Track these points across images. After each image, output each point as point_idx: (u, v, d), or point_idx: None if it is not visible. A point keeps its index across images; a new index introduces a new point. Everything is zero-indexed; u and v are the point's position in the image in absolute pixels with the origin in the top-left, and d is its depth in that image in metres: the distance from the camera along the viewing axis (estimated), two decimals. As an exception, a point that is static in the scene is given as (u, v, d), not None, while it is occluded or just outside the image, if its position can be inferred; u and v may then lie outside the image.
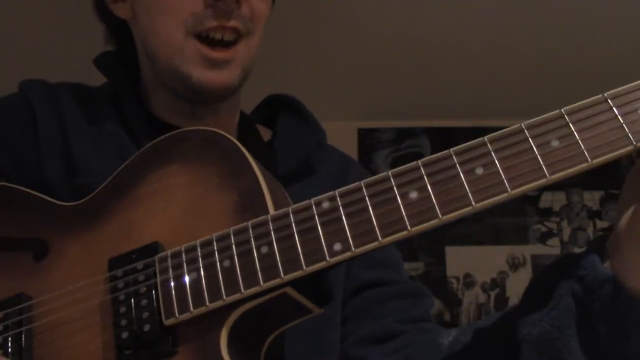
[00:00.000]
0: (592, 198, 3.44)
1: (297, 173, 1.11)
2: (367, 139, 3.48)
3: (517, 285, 3.28)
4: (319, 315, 0.87)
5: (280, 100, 1.24)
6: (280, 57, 2.80)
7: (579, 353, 0.73)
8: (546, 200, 3.44)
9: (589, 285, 0.72)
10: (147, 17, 1.07)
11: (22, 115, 1.07)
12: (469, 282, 3.30)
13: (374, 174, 0.80)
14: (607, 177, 3.38)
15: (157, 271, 0.82)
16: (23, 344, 0.84)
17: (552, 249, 3.36)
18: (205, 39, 1.02)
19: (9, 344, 0.84)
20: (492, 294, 3.29)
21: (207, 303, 0.77)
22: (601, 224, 3.40)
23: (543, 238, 3.39)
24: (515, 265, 3.33)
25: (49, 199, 0.96)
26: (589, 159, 0.67)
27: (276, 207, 0.81)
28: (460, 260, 3.33)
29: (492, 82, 3.15)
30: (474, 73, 3.10)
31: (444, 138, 3.40)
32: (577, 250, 3.31)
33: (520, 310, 0.80)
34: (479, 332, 0.89)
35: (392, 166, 3.25)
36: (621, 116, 0.67)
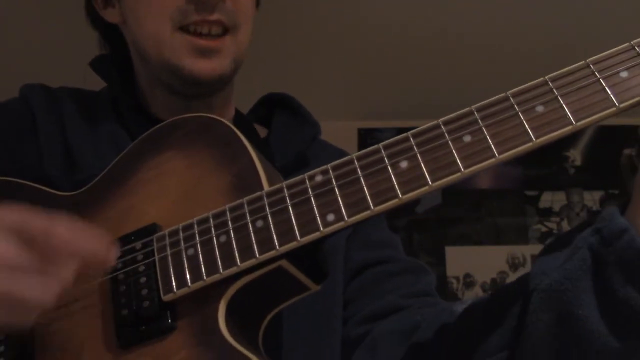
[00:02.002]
0: (592, 198, 3.44)
1: (292, 165, 1.12)
2: (367, 139, 3.49)
3: (517, 285, 3.28)
4: (320, 300, 0.88)
5: (275, 98, 1.25)
6: (281, 57, 2.82)
7: (591, 307, 0.73)
8: (546, 200, 3.44)
9: (606, 237, 0.72)
10: (134, 17, 1.08)
11: (22, 119, 1.09)
12: (469, 282, 3.30)
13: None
14: (607, 177, 3.40)
15: (155, 249, 0.83)
16: None
17: (552, 248, 3.36)
18: (192, 32, 1.03)
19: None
20: (493, 294, 3.28)
21: (205, 277, 0.79)
22: (601, 224, 3.40)
23: (543, 238, 3.39)
24: (515, 265, 3.33)
25: (49, 189, 0.97)
26: (573, 121, 0.68)
27: (270, 185, 0.83)
28: (460, 260, 3.33)
29: (492, 82, 3.14)
30: (474, 73, 3.11)
31: (442, 138, 3.39)
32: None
33: (537, 263, 0.80)
34: (495, 291, 0.89)
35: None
36: (603, 79, 0.69)
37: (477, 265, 3.32)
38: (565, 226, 3.40)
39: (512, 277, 3.29)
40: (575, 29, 2.89)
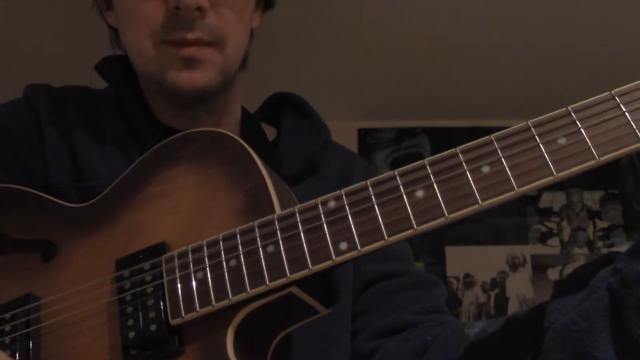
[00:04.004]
0: (592, 198, 3.44)
1: (302, 173, 1.11)
2: (367, 139, 3.48)
3: (517, 285, 3.29)
4: (330, 315, 0.87)
5: (285, 98, 1.23)
6: (280, 57, 2.81)
7: (607, 348, 0.71)
8: (546, 200, 3.44)
9: (626, 279, 0.71)
10: (122, 27, 1.08)
11: (27, 121, 1.08)
12: (469, 282, 3.30)
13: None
14: (607, 177, 3.39)
15: (164, 271, 0.82)
16: (30, 344, 0.85)
17: (552, 249, 3.36)
18: (174, 43, 1.01)
19: (17, 344, 0.85)
20: (492, 294, 3.29)
21: (214, 302, 0.77)
22: (601, 224, 3.40)
23: (543, 238, 3.39)
24: (515, 265, 3.33)
25: (57, 200, 0.96)
26: (596, 156, 0.67)
27: (282, 207, 0.81)
28: (460, 260, 3.33)
29: (492, 82, 3.15)
30: (474, 73, 3.10)
31: (444, 138, 3.40)
32: (576, 250, 3.32)
33: (552, 300, 0.79)
34: (508, 322, 0.87)
35: (392, 166, 3.26)
36: (628, 113, 0.67)
37: (477, 265, 3.31)
38: (565, 226, 3.39)
39: (512, 277, 3.30)
40: (576, 29, 2.88)
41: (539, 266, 3.32)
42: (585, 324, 0.72)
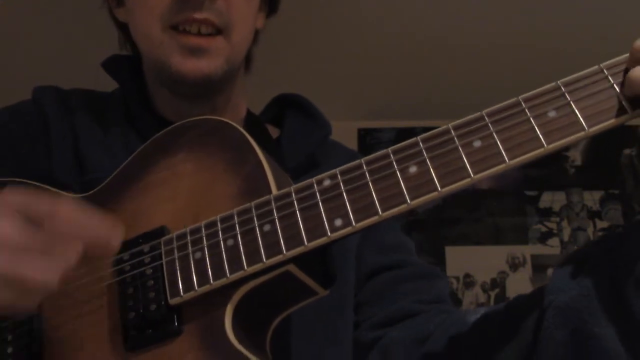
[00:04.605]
0: (592, 198, 3.44)
1: (303, 167, 1.12)
2: (367, 139, 3.48)
3: (517, 285, 3.28)
4: (330, 301, 0.87)
5: (288, 99, 1.25)
6: (280, 57, 2.82)
7: (607, 325, 0.72)
8: (546, 200, 3.44)
9: (624, 257, 0.72)
10: (132, 17, 1.09)
11: (35, 124, 1.09)
12: (468, 282, 3.30)
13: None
14: (607, 177, 3.39)
15: (163, 253, 0.83)
16: (33, 327, 0.86)
17: (552, 249, 3.36)
18: (182, 31, 1.02)
19: (19, 328, 0.86)
20: (492, 294, 3.28)
21: (212, 281, 0.78)
22: (601, 224, 3.40)
23: (543, 238, 3.38)
24: (515, 265, 3.33)
25: (58, 191, 0.97)
26: (585, 127, 0.68)
27: (279, 189, 0.82)
28: (460, 260, 3.33)
29: (492, 82, 3.16)
30: (474, 73, 3.11)
31: (443, 138, 3.39)
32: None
33: (553, 279, 0.79)
34: (508, 305, 0.88)
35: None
36: (617, 85, 0.68)
37: (477, 265, 3.31)
38: (565, 226, 3.40)
39: (512, 277, 3.30)
40: (576, 29, 2.89)
41: (539, 266, 3.32)
42: (585, 301, 0.73)
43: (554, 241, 3.38)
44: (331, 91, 3.15)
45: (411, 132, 3.48)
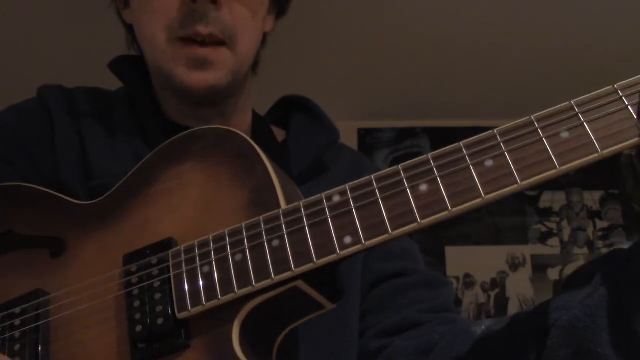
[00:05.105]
0: (592, 198, 3.44)
1: (310, 172, 1.12)
2: (367, 139, 3.48)
3: (517, 285, 3.29)
4: (336, 312, 0.87)
5: (294, 101, 1.24)
6: (280, 58, 2.81)
7: (610, 345, 0.72)
8: (546, 200, 3.44)
9: (627, 277, 0.71)
10: (137, 22, 1.09)
11: (40, 121, 1.09)
12: (468, 282, 3.30)
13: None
14: (607, 177, 3.39)
15: (171, 266, 0.83)
16: (40, 338, 0.85)
17: (552, 249, 3.37)
18: (187, 41, 1.02)
19: (26, 338, 0.85)
20: (492, 294, 3.29)
21: (220, 296, 0.78)
22: (601, 224, 3.41)
23: (543, 238, 3.39)
24: (515, 265, 3.33)
25: (65, 197, 0.97)
26: (599, 150, 0.67)
27: (288, 203, 0.82)
28: (460, 260, 3.33)
29: (492, 82, 3.16)
30: (474, 73, 3.11)
31: (444, 138, 3.38)
32: (576, 250, 3.32)
33: (557, 297, 0.79)
34: (513, 320, 0.88)
35: (392, 166, 3.27)
36: (631, 106, 0.68)
37: (477, 265, 3.32)
38: (565, 226, 3.40)
39: (512, 277, 3.30)
40: (576, 29, 2.89)
41: (539, 266, 3.32)
42: (588, 321, 0.73)
43: (554, 241, 3.38)
44: (331, 91, 3.14)
45: (411, 132, 3.48)
